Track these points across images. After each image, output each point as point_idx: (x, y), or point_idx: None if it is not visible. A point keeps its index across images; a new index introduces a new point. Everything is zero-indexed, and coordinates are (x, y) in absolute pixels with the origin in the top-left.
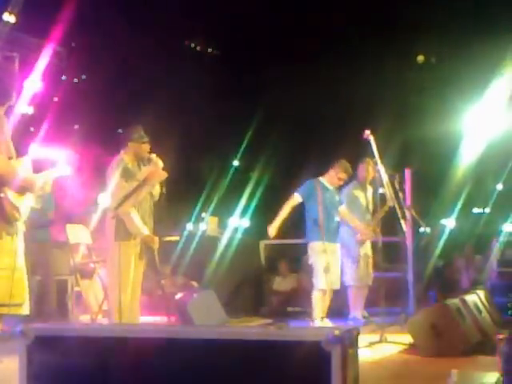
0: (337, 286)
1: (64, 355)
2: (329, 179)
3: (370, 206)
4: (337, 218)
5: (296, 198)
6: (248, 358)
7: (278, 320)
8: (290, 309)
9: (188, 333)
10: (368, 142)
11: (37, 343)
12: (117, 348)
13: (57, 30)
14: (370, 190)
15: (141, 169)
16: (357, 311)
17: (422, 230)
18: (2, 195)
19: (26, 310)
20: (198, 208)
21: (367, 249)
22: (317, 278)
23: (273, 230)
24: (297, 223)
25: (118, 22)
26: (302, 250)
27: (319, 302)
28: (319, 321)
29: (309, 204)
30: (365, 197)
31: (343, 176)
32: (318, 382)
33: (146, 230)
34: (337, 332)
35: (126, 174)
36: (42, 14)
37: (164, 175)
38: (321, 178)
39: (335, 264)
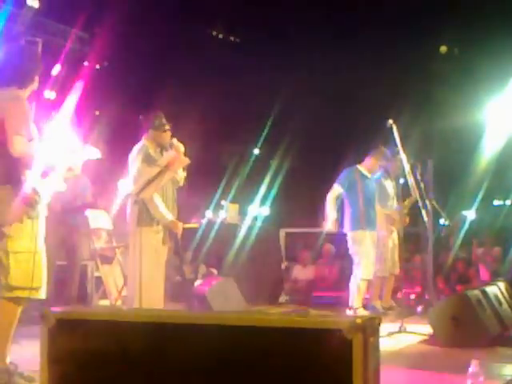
0: (372, 276)
1: (85, 339)
2: (368, 167)
3: (397, 196)
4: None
5: (337, 189)
6: (268, 344)
7: (299, 309)
8: (311, 297)
9: (209, 319)
10: (391, 131)
11: (58, 327)
12: (139, 333)
13: (80, 16)
14: (399, 180)
15: (163, 155)
16: (376, 301)
17: (442, 221)
18: (23, 178)
19: (43, 294)
20: (217, 195)
21: (394, 238)
22: (359, 267)
23: (331, 224)
24: (316, 212)
25: (142, 9)
26: (322, 238)
27: (361, 292)
28: (361, 309)
29: (349, 193)
30: (392, 186)
31: (384, 163)
32: (339, 371)
33: (170, 216)
34: (359, 320)
35: (148, 160)
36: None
37: (186, 161)
38: (359, 167)
39: (373, 253)
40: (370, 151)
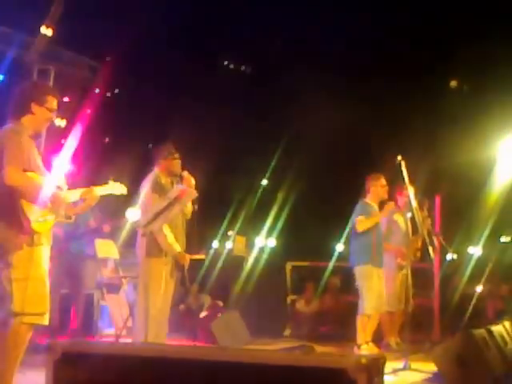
0: (382, 311)
1: (90, 372)
2: (375, 196)
3: (410, 231)
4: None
5: None
6: (272, 382)
7: (302, 344)
8: (315, 331)
9: (213, 355)
10: (399, 168)
11: (64, 359)
12: (143, 367)
13: (92, 44)
14: (407, 214)
15: (173, 186)
16: (390, 337)
17: (449, 257)
18: (20, 208)
19: (46, 320)
20: (223, 226)
21: (405, 274)
22: (364, 302)
23: None
24: (321, 246)
25: (153, 38)
26: (328, 272)
27: (365, 327)
28: (365, 346)
29: None
30: (404, 221)
31: (384, 182)
32: None
33: (177, 247)
34: (363, 360)
35: (159, 190)
36: (79, 28)
37: (194, 194)
38: (366, 200)
39: (382, 288)
40: (366, 182)
